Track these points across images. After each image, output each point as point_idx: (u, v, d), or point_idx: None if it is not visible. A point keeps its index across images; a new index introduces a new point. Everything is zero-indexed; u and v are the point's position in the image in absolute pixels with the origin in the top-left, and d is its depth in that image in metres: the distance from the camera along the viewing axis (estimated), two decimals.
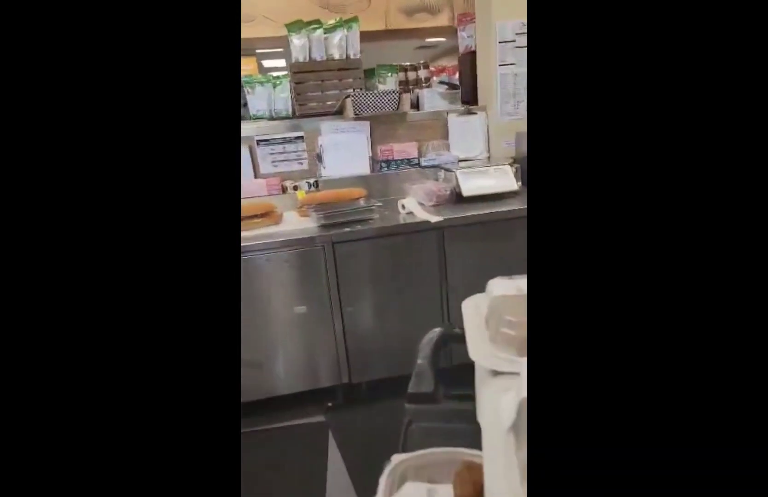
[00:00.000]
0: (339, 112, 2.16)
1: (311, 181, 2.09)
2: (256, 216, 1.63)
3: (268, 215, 1.67)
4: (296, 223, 1.72)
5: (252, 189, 1.97)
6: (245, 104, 2.25)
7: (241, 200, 1.93)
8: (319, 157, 2.12)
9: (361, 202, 1.80)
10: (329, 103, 2.18)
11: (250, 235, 1.58)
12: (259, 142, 2.05)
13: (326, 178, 2.09)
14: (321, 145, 2.10)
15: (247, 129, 2.05)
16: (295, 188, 2.05)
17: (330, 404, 1.73)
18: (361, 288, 1.63)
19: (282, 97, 2.22)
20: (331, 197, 1.80)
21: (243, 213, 1.61)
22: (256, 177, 2.06)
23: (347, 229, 1.58)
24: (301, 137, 2.12)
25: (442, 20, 3.66)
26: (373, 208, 1.71)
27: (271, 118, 2.17)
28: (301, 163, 2.14)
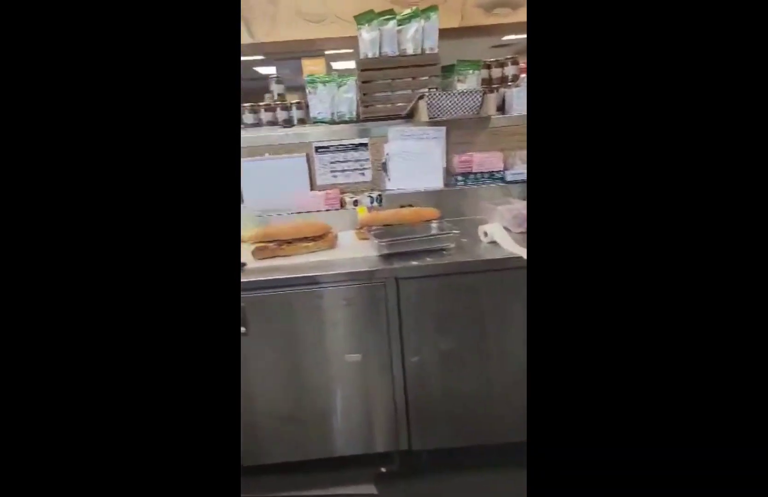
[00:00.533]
0: (410, 116, 1.85)
1: (374, 194, 1.80)
2: (306, 238, 1.37)
3: (321, 238, 1.41)
4: (354, 248, 1.43)
5: (307, 202, 1.73)
6: (306, 106, 2.03)
7: (294, 216, 1.70)
8: (385, 167, 1.83)
9: (433, 227, 1.46)
10: (399, 104, 1.87)
11: (297, 262, 1.32)
12: (317, 148, 1.81)
13: (391, 191, 1.78)
14: (387, 154, 1.81)
15: (305, 134, 1.81)
16: (356, 203, 1.78)
17: (383, 470, 1.43)
18: (430, 335, 1.30)
19: (346, 98, 1.96)
20: (397, 218, 1.50)
21: (292, 234, 1.36)
22: (312, 188, 1.82)
23: (415, 262, 1.26)
24: (365, 144, 1.84)
25: (523, 16, 3.22)
26: (447, 234, 1.37)
27: (333, 122, 1.93)
28: (363, 174, 1.86)
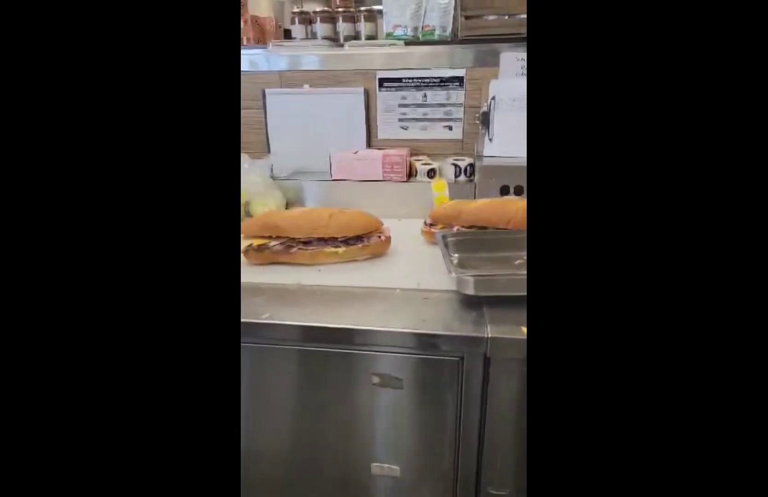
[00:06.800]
0: None
1: (463, 162, 1.13)
2: (335, 240, 0.79)
3: (366, 240, 0.81)
4: (415, 264, 0.82)
5: (356, 167, 1.13)
6: (380, 14, 1.38)
7: (336, 185, 1.12)
8: (485, 119, 1.13)
9: None
10: (523, 16, 1.14)
11: (308, 281, 0.76)
12: (383, 81, 1.17)
13: (493, 160, 1.10)
14: (493, 97, 1.10)
15: (367, 58, 1.18)
16: (432, 174, 1.13)
17: None
18: None
19: (440, 6, 1.26)
20: (496, 215, 0.84)
21: (308, 230, 0.78)
22: (369, 144, 1.20)
23: (525, 328, 0.63)
24: (460, 79, 1.15)
25: None
26: None
27: (415, 41, 1.25)
28: (451, 128, 1.19)
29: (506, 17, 1.16)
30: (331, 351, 0.66)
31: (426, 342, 0.63)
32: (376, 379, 0.66)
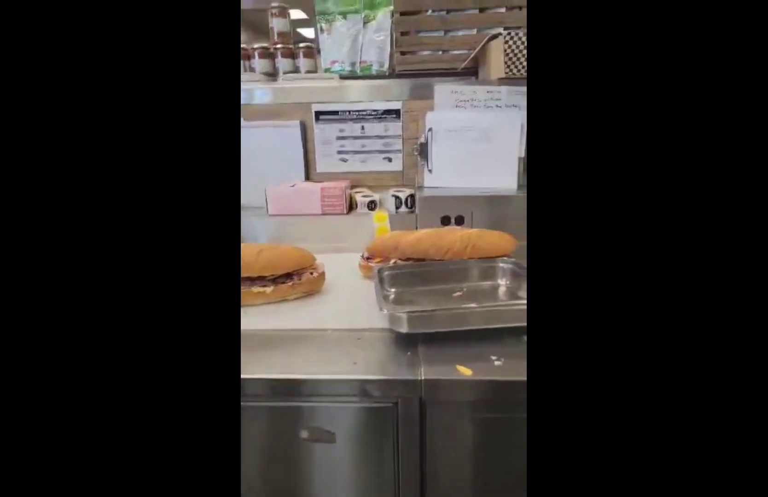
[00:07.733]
0: (471, 72, 1.14)
1: (403, 193, 1.12)
2: (263, 279, 0.73)
3: (297, 278, 0.75)
4: (351, 302, 0.77)
5: (294, 201, 1.08)
6: (318, 51, 1.37)
7: (275, 220, 1.05)
8: (424, 150, 1.13)
9: (503, 276, 0.77)
10: (457, 52, 1.16)
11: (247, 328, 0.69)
12: (319, 114, 1.14)
13: (433, 191, 1.09)
14: (430, 129, 1.11)
15: (305, 91, 1.15)
16: (372, 206, 1.11)
17: None
18: None
19: (376, 41, 1.27)
20: (435, 247, 0.81)
21: (253, 268, 0.71)
22: (308, 176, 1.16)
23: (462, 368, 0.58)
24: (396, 111, 1.15)
25: None
26: None
27: (353, 76, 1.25)
28: (391, 159, 1.18)
29: (440, 53, 1.18)
30: (251, 405, 0.59)
31: (356, 388, 0.57)
32: (304, 434, 0.59)
